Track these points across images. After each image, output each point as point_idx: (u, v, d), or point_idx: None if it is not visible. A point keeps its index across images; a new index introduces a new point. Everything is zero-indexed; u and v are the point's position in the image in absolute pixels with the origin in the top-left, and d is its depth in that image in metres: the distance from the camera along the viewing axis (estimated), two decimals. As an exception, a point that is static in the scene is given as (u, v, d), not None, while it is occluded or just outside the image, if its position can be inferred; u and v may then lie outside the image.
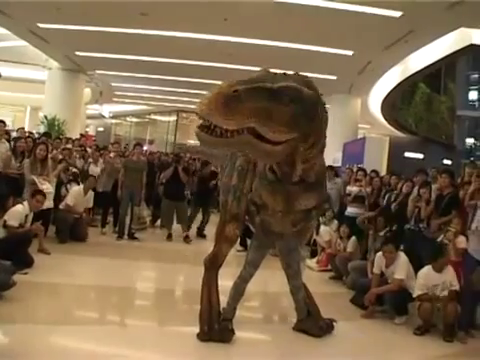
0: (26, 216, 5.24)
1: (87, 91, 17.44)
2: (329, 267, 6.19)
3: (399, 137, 21.52)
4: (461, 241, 4.55)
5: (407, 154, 20.25)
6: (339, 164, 11.49)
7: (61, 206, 6.63)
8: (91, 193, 7.00)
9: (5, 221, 4.90)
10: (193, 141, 17.60)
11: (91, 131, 27.18)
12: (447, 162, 23.15)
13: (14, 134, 9.00)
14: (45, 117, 13.92)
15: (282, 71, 2.71)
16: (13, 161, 6.13)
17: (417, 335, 4.09)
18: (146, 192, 7.78)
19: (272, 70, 2.70)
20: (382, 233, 5.52)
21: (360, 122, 16.11)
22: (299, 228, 3.50)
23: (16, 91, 19.15)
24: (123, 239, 7.15)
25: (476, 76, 34.77)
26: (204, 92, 2.39)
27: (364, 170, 7.50)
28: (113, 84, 17.76)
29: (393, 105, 18.40)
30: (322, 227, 6.45)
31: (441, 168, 7.46)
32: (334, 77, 12.35)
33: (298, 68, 2.84)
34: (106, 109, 23.57)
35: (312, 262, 6.56)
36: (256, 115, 2.40)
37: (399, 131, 21.51)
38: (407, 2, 7.27)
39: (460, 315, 4.01)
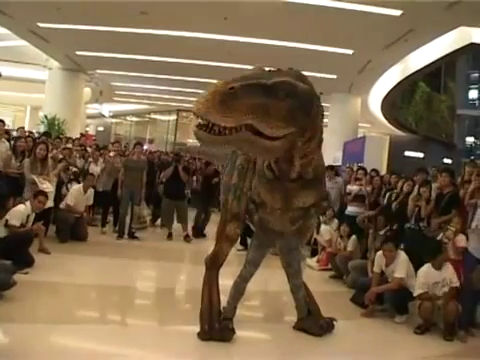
0: (28, 216, 5.25)
1: (87, 90, 17.44)
2: (329, 266, 6.19)
3: (399, 136, 21.52)
4: (461, 240, 4.55)
5: (407, 153, 20.27)
6: (339, 163, 11.50)
7: (61, 206, 6.64)
8: (91, 190, 7.00)
9: (7, 220, 4.91)
10: (193, 140, 17.57)
11: (91, 130, 27.18)
12: (447, 161, 23.17)
13: (14, 133, 9.00)
14: (45, 116, 13.93)
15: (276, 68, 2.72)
16: (13, 160, 6.13)
17: (417, 334, 4.09)
18: (146, 191, 7.77)
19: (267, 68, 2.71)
20: (382, 232, 5.52)
21: (360, 121, 16.12)
22: (298, 226, 3.50)
23: (16, 91, 19.17)
24: (123, 238, 7.15)
25: (476, 75, 34.82)
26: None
27: (364, 169, 7.51)
28: (113, 83, 17.77)
29: (393, 104, 18.39)
30: (322, 226, 6.46)
31: (441, 167, 7.47)
32: (334, 76, 12.36)
33: (298, 67, 2.84)
34: (106, 108, 23.53)
35: (312, 261, 6.56)
36: (253, 111, 2.41)
37: (399, 130, 21.50)
38: (407, 1, 7.27)
39: (460, 314, 4.01)
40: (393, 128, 20.96)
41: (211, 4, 8.07)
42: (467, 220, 4.61)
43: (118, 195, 7.29)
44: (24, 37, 11.89)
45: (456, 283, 4.14)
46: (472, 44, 10.06)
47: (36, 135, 9.52)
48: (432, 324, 4.17)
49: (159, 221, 8.59)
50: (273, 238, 3.71)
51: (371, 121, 20.08)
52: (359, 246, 5.89)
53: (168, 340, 3.55)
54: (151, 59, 12.64)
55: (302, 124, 2.68)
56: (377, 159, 10.37)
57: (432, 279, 4.19)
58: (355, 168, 8.47)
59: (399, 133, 21.78)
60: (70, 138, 10.43)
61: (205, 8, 8.30)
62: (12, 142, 6.87)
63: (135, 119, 30.17)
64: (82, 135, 13.28)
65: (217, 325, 3.53)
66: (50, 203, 6.06)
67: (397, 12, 7.75)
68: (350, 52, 10.24)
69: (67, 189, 6.98)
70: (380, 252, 4.64)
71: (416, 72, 12.62)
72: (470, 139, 33.85)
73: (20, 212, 5.13)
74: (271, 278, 5.20)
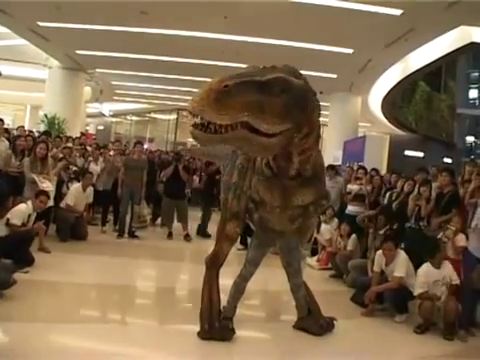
0: (29, 215, 5.26)
1: (87, 89, 17.42)
2: (329, 265, 6.20)
3: (399, 135, 21.49)
4: (460, 239, 4.55)
5: (407, 152, 20.25)
6: (339, 162, 11.48)
7: (62, 205, 6.64)
8: (90, 189, 6.99)
9: (8, 219, 4.92)
10: (193, 140, 17.56)
11: (91, 130, 27.14)
12: (447, 160, 23.13)
13: (14, 132, 9.00)
14: (45, 116, 13.93)
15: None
16: (13, 159, 6.14)
17: (417, 333, 4.09)
18: (146, 190, 7.77)
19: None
20: (382, 231, 5.52)
21: (360, 120, 16.09)
22: (297, 225, 3.49)
23: (16, 90, 19.14)
24: (123, 237, 7.16)
25: (476, 74, 34.77)
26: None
27: (364, 168, 7.51)
28: (113, 82, 17.76)
29: (393, 103, 18.37)
30: (323, 225, 6.48)
31: (441, 166, 7.45)
32: (334, 75, 12.33)
33: (298, 66, 2.83)
34: (106, 107, 23.51)
35: (312, 260, 6.57)
36: (248, 108, 2.40)
37: (399, 129, 21.48)
38: (407, 1, 7.27)
39: (460, 313, 4.01)
40: (393, 127, 20.94)
41: (211, 3, 8.06)
42: (467, 219, 4.61)
43: (118, 194, 7.29)
44: (24, 36, 11.89)
45: (456, 280, 4.16)
46: (472, 43, 10.05)
47: (36, 134, 9.51)
48: (432, 323, 4.17)
49: (159, 220, 8.60)
50: (273, 237, 3.71)
51: (371, 120, 20.06)
52: (359, 245, 5.89)
53: (168, 339, 3.55)
54: (151, 58, 12.63)
55: (298, 120, 2.67)
56: (377, 158, 10.36)
57: (432, 278, 4.19)
58: (355, 167, 8.46)
59: (399, 132, 21.76)
60: (70, 137, 10.43)
61: (205, 7, 8.29)
62: (12, 141, 6.87)
63: (135, 118, 30.12)
64: (82, 134, 13.31)
65: (217, 324, 3.53)
66: (50, 202, 6.06)
67: (397, 11, 7.75)
68: (350, 51, 10.22)
69: (67, 188, 6.98)
70: (380, 251, 4.64)
71: (416, 71, 12.60)
72: (470, 138, 33.80)
73: (21, 211, 5.13)
74: (271, 277, 5.19)
